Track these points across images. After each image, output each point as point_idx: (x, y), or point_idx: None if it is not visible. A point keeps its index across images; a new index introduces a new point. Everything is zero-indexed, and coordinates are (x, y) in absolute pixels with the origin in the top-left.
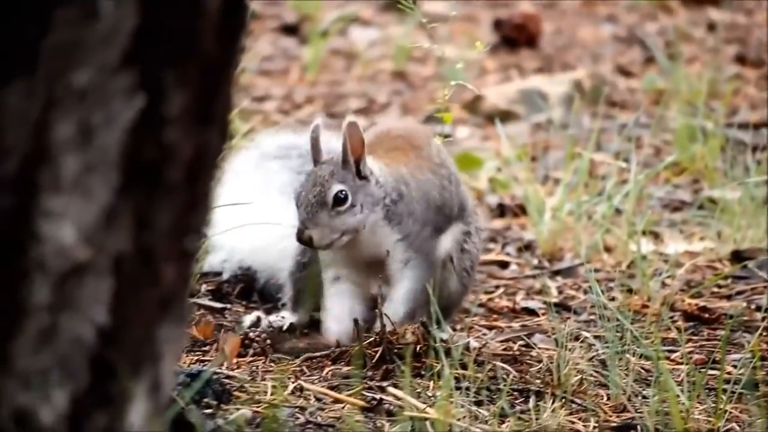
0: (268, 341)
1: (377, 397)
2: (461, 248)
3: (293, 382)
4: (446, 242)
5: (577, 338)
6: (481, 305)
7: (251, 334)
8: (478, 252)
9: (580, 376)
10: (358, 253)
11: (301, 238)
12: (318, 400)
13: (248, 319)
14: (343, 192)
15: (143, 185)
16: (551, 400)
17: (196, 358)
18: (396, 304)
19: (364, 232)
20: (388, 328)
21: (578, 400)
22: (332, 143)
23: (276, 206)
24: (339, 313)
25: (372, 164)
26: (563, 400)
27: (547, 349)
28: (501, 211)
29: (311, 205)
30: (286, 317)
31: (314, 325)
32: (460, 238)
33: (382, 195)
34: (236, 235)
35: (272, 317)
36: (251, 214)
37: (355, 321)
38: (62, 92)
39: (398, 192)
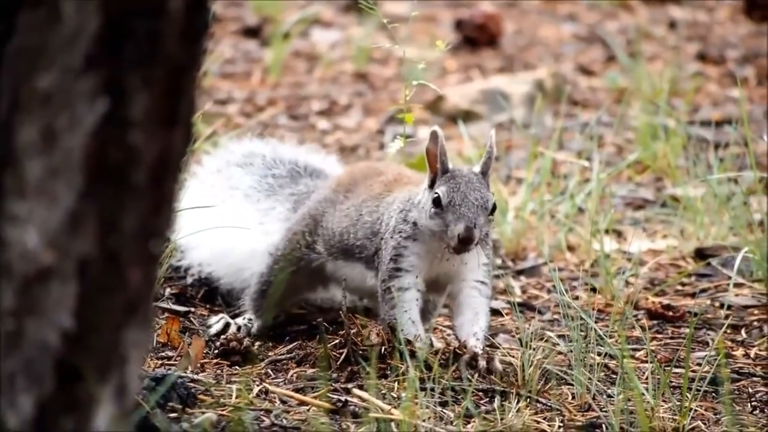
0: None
1: (343, 398)
2: None
3: (258, 385)
4: None
5: (541, 338)
6: (445, 306)
7: (226, 338)
8: None
9: (544, 376)
10: (438, 268)
11: (470, 236)
12: (283, 402)
13: (215, 324)
14: (494, 203)
15: (108, 188)
16: (516, 400)
17: (161, 361)
18: (480, 337)
19: None
20: (477, 348)
21: (543, 400)
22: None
23: (240, 211)
24: (416, 316)
25: None
26: (528, 399)
27: (512, 349)
28: None
29: (476, 208)
30: (253, 320)
31: (276, 327)
32: None
33: None
34: (200, 240)
35: (240, 320)
36: (215, 218)
37: (319, 323)
38: (26, 96)
39: None
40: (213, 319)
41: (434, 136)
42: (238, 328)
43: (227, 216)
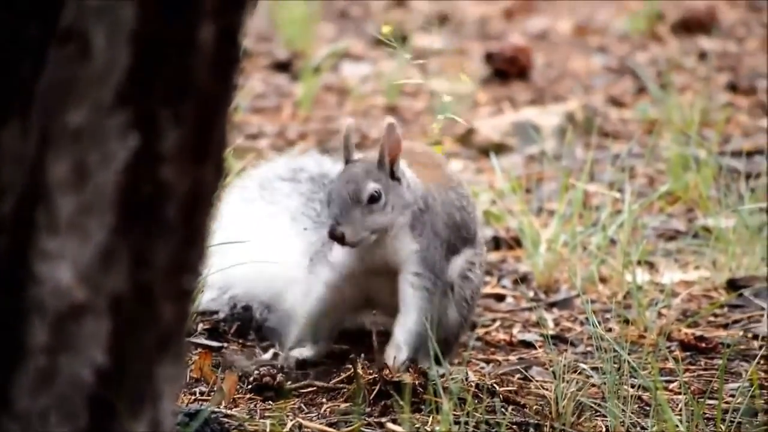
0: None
1: None
2: (464, 276)
3: (292, 420)
4: (454, 267)
5: (574, 370)
6: (478, 338)
7: (259, 373)
8: (480, 283)
9: (578, 408)
10: (370, 260)
11: (334, 234)
12: None
13: (267, 357)
14: (378, 191)
15: (139, 224)
16: None
17: (194, 397)
18: (401, 340)
19: (387, 236)
20: (389, 363)
21: None
22: (325, 165)
23: (285, 235)
24: (315, 312)
25: (404, 168)
26: None
27: (545, 382)
28: (496, 243)
29: (345, 202)
30: (304, 351)
31: (332, 356)
32: (465, 265)
33: (411, 200)
34: (238, 269)
35: (294, 352)
36: (256, 243)
37: (352, 359)
38: (57, 132)
39: (425, 202)
40: (265, 355)
41: (347, 128)
42: (275, 355)
43: (271, 237)
